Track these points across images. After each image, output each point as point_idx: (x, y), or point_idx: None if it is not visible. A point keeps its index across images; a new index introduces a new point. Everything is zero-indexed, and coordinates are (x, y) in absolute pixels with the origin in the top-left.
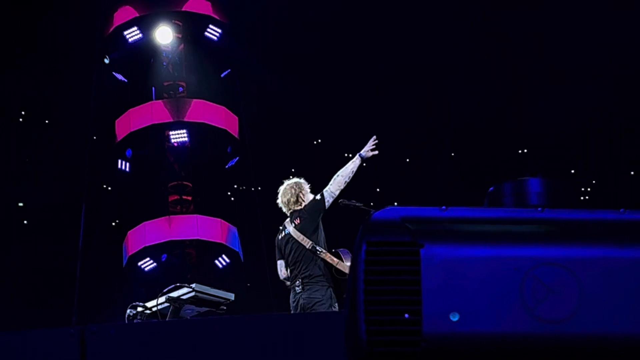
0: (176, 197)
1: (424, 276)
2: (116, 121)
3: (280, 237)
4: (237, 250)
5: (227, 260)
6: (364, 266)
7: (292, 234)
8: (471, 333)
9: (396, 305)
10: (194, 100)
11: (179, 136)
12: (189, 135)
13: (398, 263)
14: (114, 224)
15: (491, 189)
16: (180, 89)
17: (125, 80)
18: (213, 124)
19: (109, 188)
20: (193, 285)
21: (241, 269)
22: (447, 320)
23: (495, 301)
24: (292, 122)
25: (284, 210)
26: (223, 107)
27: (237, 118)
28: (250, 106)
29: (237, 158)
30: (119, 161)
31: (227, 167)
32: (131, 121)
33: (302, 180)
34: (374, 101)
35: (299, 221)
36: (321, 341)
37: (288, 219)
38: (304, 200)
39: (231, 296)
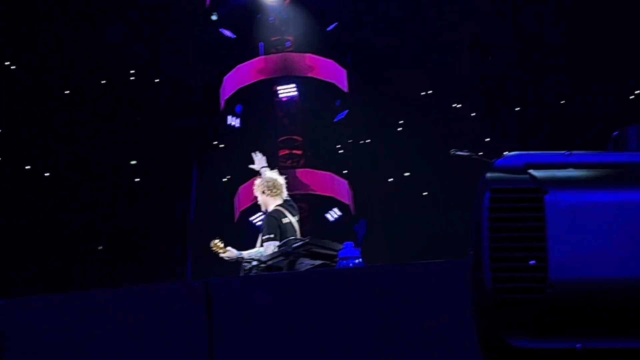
0: (286, 151)
1: (549, 222)
2: (225, 77)
3: (284, 220)
4: (348, 203)
5: (339, 214)
6: (488, 214)
7: (294, 225)
8: (598, 279)
9: (521, 252)
10: (302, 54)
11: (287, 91)
12: (298, 89)
13: (522, 210)
14: (224, 180)
15: (615, 133)
16: (288, 43)
17: (233, 36)
18: (321, 78)
19: (220, 144)
20: (307, 239)
21: (352, 222)
22: (574, 266)
23: (622, 246)
24: (400, 74)
25: (280, 196)
26: (331, 61)
27: (345, 71)
28: (358, 59)
29: (347, 111)
30: (229, 117)
31: (336, 120)
32: (240, 77)
33: None
34: (481, 51)
35: (298, 218)
36: (445, 288)
37: (285, 209)
38: None
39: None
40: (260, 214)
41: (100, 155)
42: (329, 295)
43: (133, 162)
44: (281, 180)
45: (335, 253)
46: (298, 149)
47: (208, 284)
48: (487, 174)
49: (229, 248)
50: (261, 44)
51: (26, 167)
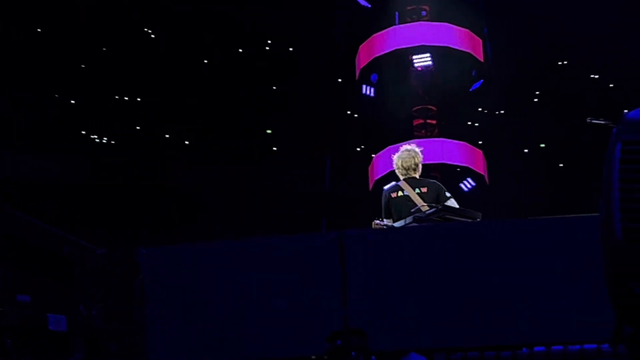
0: (420, 121)
1: None
2: (360, 46)
3: (393, 195)
4: (483, 173)
5: (473, 183)
6: (619, 165)
7: (410, 197)
8: None
9: None
10: (437, 23)
11: (422, 60)
12: (433, 59)
13: None
14: (358, 149)
15: None
16: (423, 12)
17: (369, 6)
18: (457, 47)
19: (354, 114)
20: (440, 206)
21: (487, 192)
22: None
23: None
24: (536, 43)
25: (401, 172)
26: (466, 30)
27: (480, 41)
28: (494, 28)
29: (482, 81)
30: (364, 86)
31: (471, 90)
32: (375, 46)
33: (418, 150)
34: (621, 22)
35: (425, 190)
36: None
37: (404, 182)
38: (420, 169)
39: (478, 215)
40: (393, 183)
41: (236, 124)
42: (464, 247)
43: (269, 131)
44: (409, 161)
45: (469, 220)
46: (432, 119)
47: (342, 236)
48: (618, 127)
49: None
50: (397, 13)
51: (166, 136)
